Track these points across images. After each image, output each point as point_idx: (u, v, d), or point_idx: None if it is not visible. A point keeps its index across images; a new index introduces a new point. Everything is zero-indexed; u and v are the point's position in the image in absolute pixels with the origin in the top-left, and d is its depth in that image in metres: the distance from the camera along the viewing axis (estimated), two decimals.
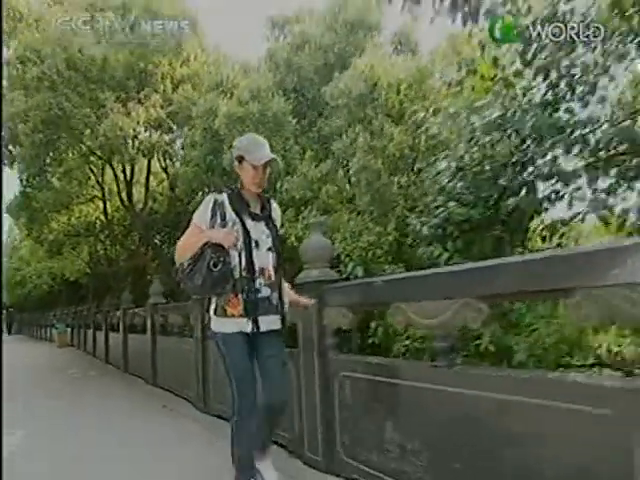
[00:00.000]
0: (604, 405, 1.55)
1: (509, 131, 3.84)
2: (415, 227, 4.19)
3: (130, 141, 9.34)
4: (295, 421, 3.17)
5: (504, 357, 3.44)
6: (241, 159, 2.38)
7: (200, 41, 12.73)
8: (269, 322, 2.37)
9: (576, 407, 1.64)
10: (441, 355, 2.26)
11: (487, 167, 3.81)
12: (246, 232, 2.33)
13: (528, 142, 4.10)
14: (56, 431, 4.41)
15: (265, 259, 2.39)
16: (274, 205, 2.57)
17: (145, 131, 9.53)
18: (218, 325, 2.40)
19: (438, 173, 4.21)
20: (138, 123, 9.12)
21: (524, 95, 4.74)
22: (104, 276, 18.35)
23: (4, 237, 26.78)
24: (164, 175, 13.68)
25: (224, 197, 2.39)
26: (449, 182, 3.99)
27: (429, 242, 4.19)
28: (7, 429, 3.54)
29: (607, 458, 1.56)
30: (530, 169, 3.99)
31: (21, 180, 13.70)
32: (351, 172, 5.77)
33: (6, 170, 12.95)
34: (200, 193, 9.17)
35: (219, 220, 2.33)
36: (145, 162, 13.02)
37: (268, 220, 2.46)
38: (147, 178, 13.47)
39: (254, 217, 2.40)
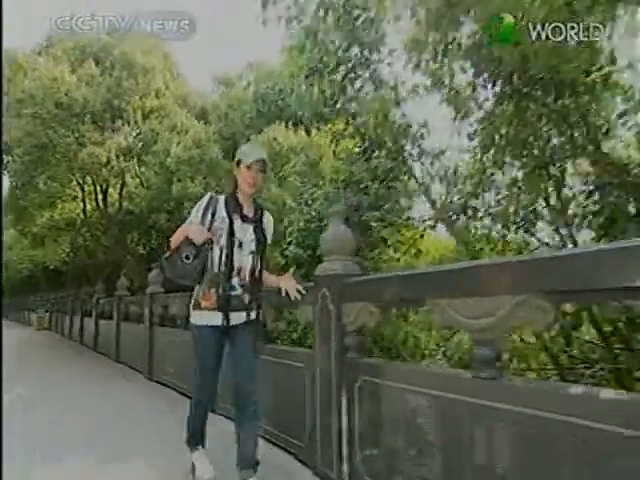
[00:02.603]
0: (301, 361, 3.05)
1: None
2: (276, 257, 6.71)
3: (104, 167, 11.41)
4: None
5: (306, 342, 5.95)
6: (238, 162, 2.51)
7: (171, 71, 14.88)
8: (239, 317, 2.49)
9: (290, 363, 3.16)
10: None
11: (313, 226, 6.34)
12: (231, 231, 2.43)
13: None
14: (42, 386, 6.06)
15: (244, 260, 2.49)
16: (267, 215, 2.68)
17: (117, 158, 11.57)
18: (193, 316, 2.52)
19: (287, 227, 6.75)
20: (110, 152, 11.26)
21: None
22: (83, 266, 19.73)
23: None
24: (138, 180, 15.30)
25: (221, 197, 2.54)
26: (292, 233, 6.54)
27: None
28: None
29: (297, 386, 3.01)
30: None
31: (11, 183, 15.71)
32: None
33: None
34: (158, 209, 11.45)
35: (209, 217, 2.44)
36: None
37: (257, 225, 2.56)
38: (121, 189, 15.38)
39: (244, 219, 2.50)
